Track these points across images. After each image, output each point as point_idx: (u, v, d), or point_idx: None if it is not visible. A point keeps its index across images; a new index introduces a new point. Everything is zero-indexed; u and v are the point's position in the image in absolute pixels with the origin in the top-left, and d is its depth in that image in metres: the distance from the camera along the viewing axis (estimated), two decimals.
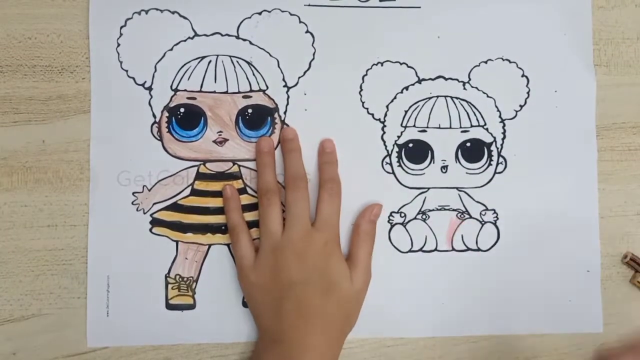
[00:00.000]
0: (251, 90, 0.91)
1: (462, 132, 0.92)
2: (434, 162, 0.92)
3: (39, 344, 0.90)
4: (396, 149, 0.92)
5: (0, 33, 0.91)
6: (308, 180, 0.90)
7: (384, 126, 0.92)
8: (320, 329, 0.84)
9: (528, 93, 0.93)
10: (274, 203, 0.88)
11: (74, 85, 0.91)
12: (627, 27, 0.95)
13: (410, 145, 0.92)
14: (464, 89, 0.93)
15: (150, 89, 0.91)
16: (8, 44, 0.91)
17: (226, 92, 0.91)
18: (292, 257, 0.85)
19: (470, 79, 0.93)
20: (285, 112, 0.92)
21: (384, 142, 0.92)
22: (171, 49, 0.91)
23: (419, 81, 0.93)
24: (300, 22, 0.92)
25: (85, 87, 0.91)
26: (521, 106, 0.93)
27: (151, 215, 0.90)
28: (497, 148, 0.93)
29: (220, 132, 0.91)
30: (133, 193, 0.90)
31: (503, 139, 0.93)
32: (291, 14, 0.92)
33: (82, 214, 0.90)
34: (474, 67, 0.93)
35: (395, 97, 0.93)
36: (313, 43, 0.92)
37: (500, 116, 0.93)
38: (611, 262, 0.93)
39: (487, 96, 0.93)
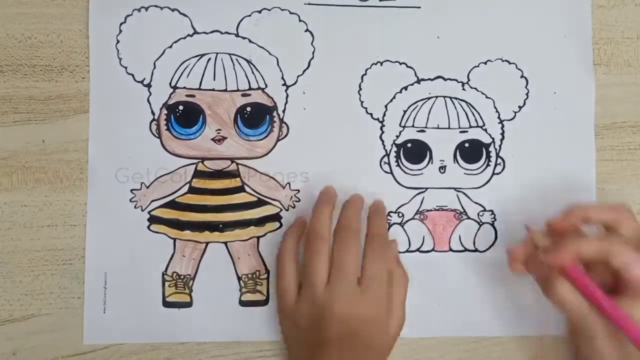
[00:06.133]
0: (250, 89, 0.91)
1: (460, 132, 0.92)
2: (432, 162, 0.92)
3: (39, 344, 0.89)
4: (394, 148, 0.92)
5: (0, 33, 0.91)
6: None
7: (383, 126, 0.92)
8: None
9: (527, 94, 0.93)
10: (321, 251, 0.84)
11: (74, 85, 0.91)
12: (626, 26, 0.95)
13: (409, 145, 0.92)
14: (463, 89, 0.93)
15: (149, 86, 0.91)
16: (8, 43, 0.91)
17: (225, 90, 0.91)
18: (332, 318, 0.81)
19: (469, 80, 0.93)
20: (284, 111, 0.92)
21: (383, 141, 0.92)
22: (170, 47, 0.91)
23: (418, 81, 0.93)
24: (300, 20, 0.92)
25: (85, 87, 0.91)
26: (520, 107, 0.93)
27: (149, 212, 0.90)
28: (496, 149, 0.93)
29: (219, 130, 0.91)
30: (131, 190, 0.90)
31: (502, 139, 0.93)
32: (291, 13, 0.92)
33: (82, 213, 0.90)
34: (474, 67, 0.93)
35: (394, 97, 0.93)
36: (312, 42, 0.92)
37: (499, 117, 0.93)
38: None
39: (486, 97, 0.93)
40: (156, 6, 0.91)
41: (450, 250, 0.93)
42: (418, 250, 0.92)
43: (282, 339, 0.89)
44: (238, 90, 0.91)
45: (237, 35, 0.91)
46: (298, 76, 0.92)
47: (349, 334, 0.82)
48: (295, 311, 0.84)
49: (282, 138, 0.92)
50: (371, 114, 0.92)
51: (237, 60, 0.91)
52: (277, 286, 0.87)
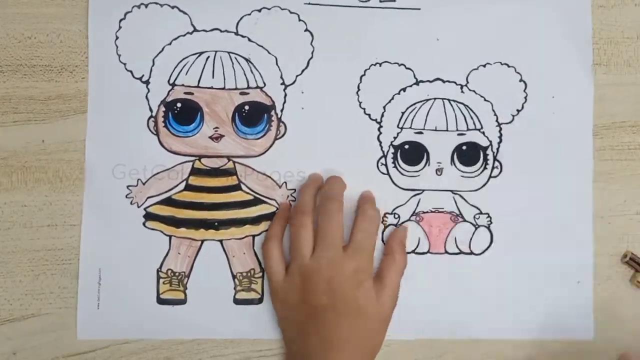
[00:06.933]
0: (248, 87, 0.91)
1: (458, 135, 0.92)
2: (429, 164, 0.92)
3: (39, 343, 0.89)
4: (392, 150, 0.92)
5: (0, 33, 0.91)
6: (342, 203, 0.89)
7: (380, 127, 0.92)
8: (346, 353, 0.83)
9: (525, 98, 0.93)
10: (306, 225, 0.86)
11: (74, 85, 0.91)
12: (626, 26, 0.95)
13: (406, 146, 0.92)
14: (462, 91, 0.93)
15: (147, 82, 0.91)
16: (8, 43, 0.91)
17: (223, 88, 0.91)
18: (320, 283, 0.84)
19: (468, 82, 0.93)
20: (282, 110, 0.92)
21: (380, 142, 0.92)
22: (170, 44, 0.91)
23: (417, 83, 0.93)
24: (299, 20, 0.92)
25: (84, 87, 0.91)
26: (518, 111, 0.93)
27: (145, 209, 0.90)
28: (493, 152, 0.93)
29: (217, 128, 0.91)
30: (127, 186, 0.90)
31: (499, 143, 0.93)
32: (291, 12, 0.92)
33: (82, 213, 0.90)
34: (472, 70, 0.93)
35: (392, 98, 0.92)
36: (312, 42, 0.92)
37: (497, 120, 0.93)
38: (611, 262, 0.93)
39: (485, 100, 0.93)
40: (156, 3, 0.91)
41: (446, 252, 0.92)
42: (413, 252, 0.92)
43: (279, 326, 0.90)
44: (236, 88, 0.91)
45: (236, 33, 0.92)
46: (297, 76, 0.92)
47: (341, 297, 0.84)
48: (285, 287, 0.86)
49: (280, 137, 0.92)
50: (369, 115, 0.92)
51: (236, 58, 0.91)
52: (265, 270, 0.89)
